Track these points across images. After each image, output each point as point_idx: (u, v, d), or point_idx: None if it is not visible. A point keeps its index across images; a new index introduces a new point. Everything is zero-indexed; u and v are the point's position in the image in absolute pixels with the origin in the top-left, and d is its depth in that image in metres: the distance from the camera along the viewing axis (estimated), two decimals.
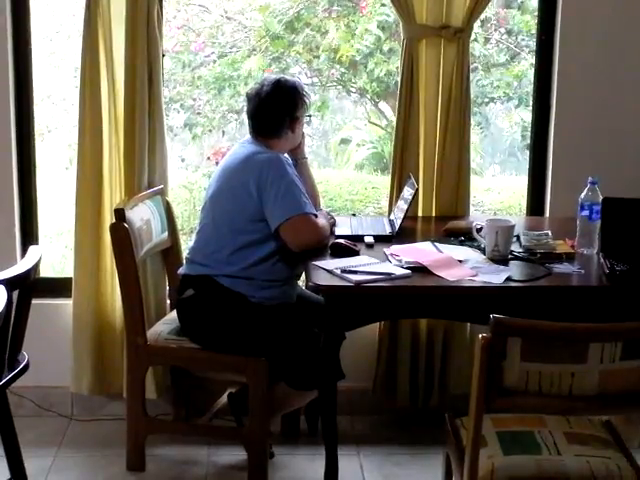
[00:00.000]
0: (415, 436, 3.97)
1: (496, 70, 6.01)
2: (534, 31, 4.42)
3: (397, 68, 4.43)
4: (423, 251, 3.39)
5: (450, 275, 3.17)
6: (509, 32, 5.99)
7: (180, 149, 6.28)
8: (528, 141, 4.55)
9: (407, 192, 3.77)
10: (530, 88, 4.63)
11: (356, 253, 3.41)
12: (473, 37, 4.11)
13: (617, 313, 3.08)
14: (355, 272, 3.16)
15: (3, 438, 3.05)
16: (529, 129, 4.40)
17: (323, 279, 3.17)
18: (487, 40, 5.95)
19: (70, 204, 3.97)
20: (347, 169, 6.62)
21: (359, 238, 3.56)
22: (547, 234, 3.56)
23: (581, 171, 3.71)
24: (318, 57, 5.88)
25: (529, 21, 5.77)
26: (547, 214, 4.13)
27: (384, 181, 5.91)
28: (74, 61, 5.26)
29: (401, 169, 3.95)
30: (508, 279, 3.15)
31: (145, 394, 3.67)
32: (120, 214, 3.55)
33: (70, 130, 5.71)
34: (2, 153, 3.95)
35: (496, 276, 3.17)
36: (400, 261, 3.28)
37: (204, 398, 3.91)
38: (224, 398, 3.79)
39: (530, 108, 4.38)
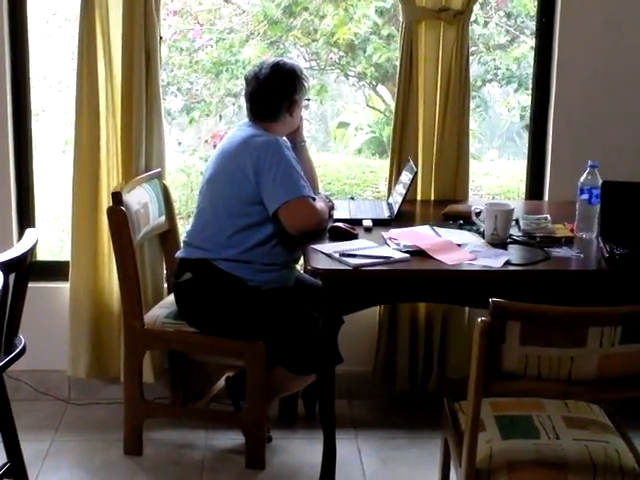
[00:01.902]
0: (413, 420, 3.96)
1: (495, 52, 5.98)
2: (533, 13, 4.39)
3: (397, 56, 4.41)
4: (422, 235, 3.38)
5: (449, 259, 3.16)
6: (508, 15, 5.96)
7: (177, 133, 6.26)
8: (526, 122, 4.52)
9: (406, 176, 3.75)
10: (529, 71, 4.61)
11: (354, 237, 3.39)
12: (473, 18, 4.09)
13: (616, 297, 3.07)
14: (353, 256, 3.15)
15: (0, 422, 3.04)
16: (527, 112, 4.38)
17: (321, 263, 3.16)
18: (486, 23, 5.91)
19: (67, 187, 3.95)
20: (345, 153, 6.61)
21: (357, 222, 3.54)
22: (546, 218, 3.54)
23: (580, 155, 3.70)
24: (316, 41, 5.85)
25: (527, 4, 5.74)
26: (546, 198, 4.12)
27: (382, 165, 5.90)
28: (70, 44, 5.23)
29: (400, 153, 3.94)
30: (507, 263, 3.14)
31: (142, 378, 3.66)
32: (117, 197, 3.53)
33: (67, 111, 5.68)
34: None
35: (495, 260, 3.16)
36: (399, 245, 3.27)
37: (202, 382, 3.91)
38: (222, 382, 3.79)
39: (529, 91, 4.36)
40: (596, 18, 3.95)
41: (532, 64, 4.21)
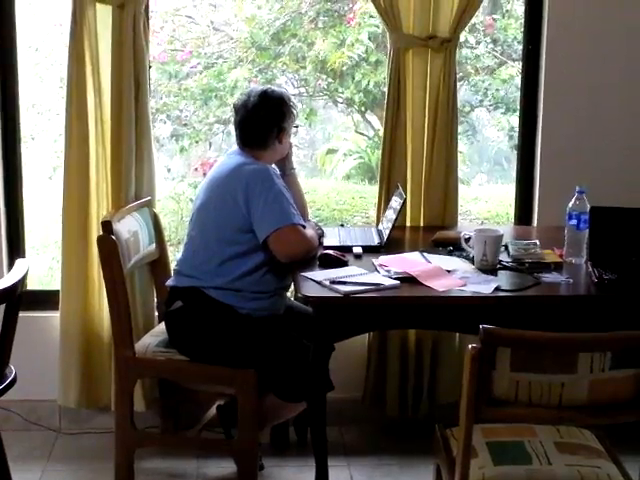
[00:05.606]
0: (405, 446, 3.96)
1: (483, 77, 6.02)
2: (520, 38, 4.42)
3: (384, 79, 4.44)
4: (412, 261, 3.39)
5: (439, 285, 3.17)
6: (495, 41, 6.01)
7: (166, 160, 6.27)
8: (515, 142, 4.54)
9: (395, 202, 3.77)
10: (517, 94, 4.64)
11: (345, 264, 3.40)
12: (463, 39, 4.11)
13: (606, 322, 3.08)
14: (344, 283, 3.16)
15: None
16: (516, 134, 4.40)
17: (312, 290, 3.17)
18: (473, 48, 5.96)
19: (55, 215, 3.95)
20: (334, 179, 6.62)
21: (347, 249, 3.55)
22: (535, 243, 3.56)
23: (569, 180, 3.72)
24: (305, 67, 5.88)
25: (514, 28, 5.78)
26: (535, 223, 4.13)
27: (371, 191, 5.92)
28: (59, 71, 5.25)
29: (389, 179, 3.96)
30: (497, 289, 3.15)
31: (133, 407, 3.65)
32: (107, 226, 3.53)
33: (56, 139, 5.68)
34: None
35: (485, 286, 3.17)
36: (389, 271, 3.28)
37: (193, 410, 3.89)
38: (213, 410, 3.77)
39: (517, 114, 4.39)
40: (582, 45, 3.98)
41: (519, 88, 4.24)
